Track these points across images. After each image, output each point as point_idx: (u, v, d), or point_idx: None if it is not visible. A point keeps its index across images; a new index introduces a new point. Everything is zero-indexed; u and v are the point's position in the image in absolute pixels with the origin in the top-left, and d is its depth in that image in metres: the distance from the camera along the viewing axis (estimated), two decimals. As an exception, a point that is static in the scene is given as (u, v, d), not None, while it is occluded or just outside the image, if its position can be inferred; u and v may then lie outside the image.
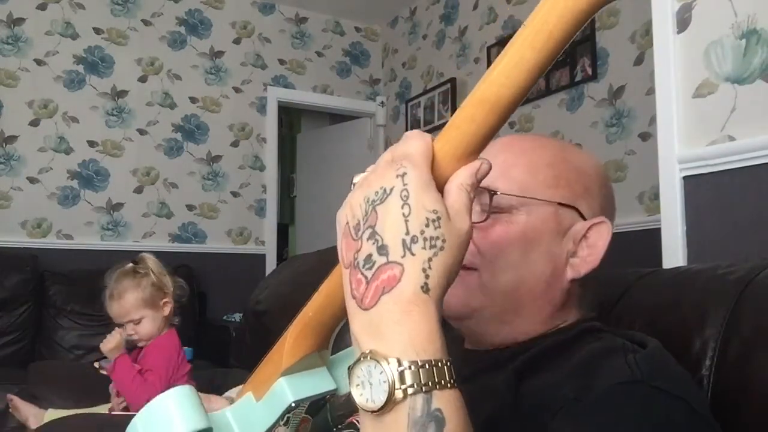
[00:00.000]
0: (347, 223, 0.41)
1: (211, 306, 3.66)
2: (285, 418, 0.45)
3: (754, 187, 1.34)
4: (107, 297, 1.78)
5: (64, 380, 2.16)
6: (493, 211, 0.67)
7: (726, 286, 0.77)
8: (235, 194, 4.02)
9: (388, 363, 0.37)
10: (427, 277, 0.38)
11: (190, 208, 3.88)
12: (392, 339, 0.37)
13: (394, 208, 0.39)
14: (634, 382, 0.54)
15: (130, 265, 1.82)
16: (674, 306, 0.81)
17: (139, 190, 3.74)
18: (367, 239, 0.40)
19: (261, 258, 4.03)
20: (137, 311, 1.75)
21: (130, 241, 3.66)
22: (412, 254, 0.38)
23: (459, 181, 0.41)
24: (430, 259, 0.39)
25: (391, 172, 0.40)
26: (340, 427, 0.52)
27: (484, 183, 0.67)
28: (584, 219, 0.69)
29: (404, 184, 0.39)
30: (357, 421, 0.61)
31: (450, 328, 0.97)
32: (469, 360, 0.70)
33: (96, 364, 2.53)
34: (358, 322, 0.39)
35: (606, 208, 0.72)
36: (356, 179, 0.43)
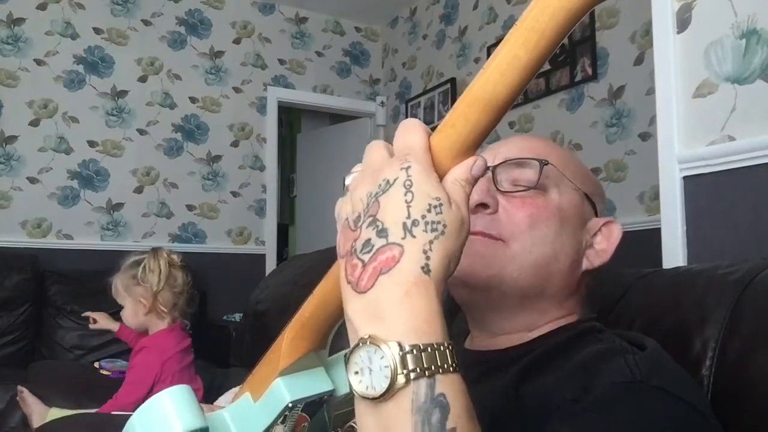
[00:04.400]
0: (347, 218, 0.41)
1: (211, 306, 3.65)
2: (282, 417, 0.45)
3: (754, 187, 1.34)
4: None
5: (64, 380, 2.16)
6: (523, 186, 0.69)
7: (726, 286, 0.77)
8: (235, 194, 4.02)
9: (389, 347, 0.35)
10: (427, 258, 0.38)
11: (190, 208, 3.88)
12: (392, 321, 0.36)
13: (397, 195, 0.39)
14: (633, 382, 0.54)
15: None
16: (674, 306, 0.81)
17: (139, 190, 3.73)
18: (367, 227, 0.39)
19: (261, 258, 4.03)
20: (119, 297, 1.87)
21: (130, 241, 3.65)
22: (413, 236, 0.38)
23: (453, 176, 0.41)
24: (431, 242, 0.38)
25: (396, 166, 0.40)
26: (339, 430, 0.52)
27: (522, 155, 0.70)
28: (597, 217, 0.73)
29: (408, 176, 0.39)
30: (354, 423, 0.61)
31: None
32: (469, 362, 0.70)
33: (96, 364, 2.53)
34: (354, 306, 0.38)
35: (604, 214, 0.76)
36: (348, 180, 0.43)
